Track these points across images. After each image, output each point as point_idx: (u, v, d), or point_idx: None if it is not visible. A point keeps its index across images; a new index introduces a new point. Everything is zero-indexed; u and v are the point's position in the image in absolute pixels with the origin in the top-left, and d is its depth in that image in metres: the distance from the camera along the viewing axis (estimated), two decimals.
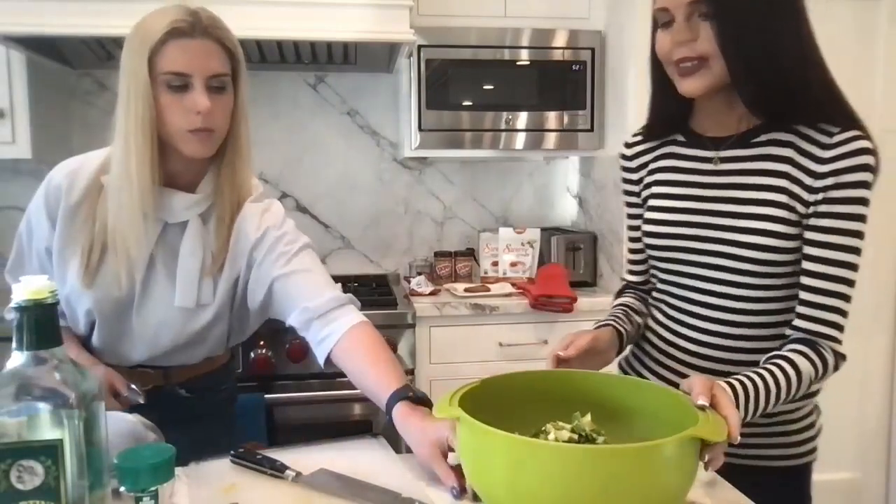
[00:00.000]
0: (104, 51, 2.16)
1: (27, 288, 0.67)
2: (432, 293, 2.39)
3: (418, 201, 2.76)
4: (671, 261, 1.12)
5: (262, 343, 2.01)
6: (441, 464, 0.94)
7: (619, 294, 1.29)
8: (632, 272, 1.27)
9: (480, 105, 2.36)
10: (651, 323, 1.20)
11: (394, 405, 1.03)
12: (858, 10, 2.50)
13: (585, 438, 0.87)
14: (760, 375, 0.95)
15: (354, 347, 1.12)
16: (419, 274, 2.53)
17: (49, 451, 0.65)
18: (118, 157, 1.10)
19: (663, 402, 0.90)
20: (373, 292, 2.36)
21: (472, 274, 2.63)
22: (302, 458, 0.99)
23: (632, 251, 1.26)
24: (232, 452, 1.01)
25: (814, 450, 1.14)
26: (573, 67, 2.38)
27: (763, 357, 1.01)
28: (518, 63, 2.36)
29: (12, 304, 0.67)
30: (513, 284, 2.45)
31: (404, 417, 1.01)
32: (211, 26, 1.09)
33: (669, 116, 1.14)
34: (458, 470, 0.91)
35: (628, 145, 1.23)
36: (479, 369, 0.99)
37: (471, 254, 2.67)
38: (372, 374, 1.09)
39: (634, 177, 1.21)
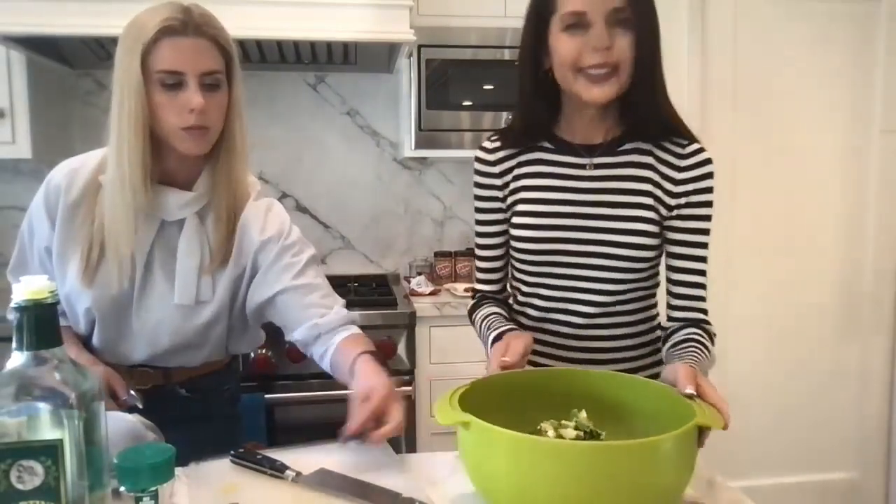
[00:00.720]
0: (104, 51, 2.16)
1: (27, 288, 0.67)
2: (432, 293, 2.39)
3: (418, 201, 2.76)
4: (544, 263, 1.15)
5: (262, 343, 2.00)
6: (362, 408, 0.99)
7: (477, 307, 1.27)
8: (486, 281, 1.27)
9: (480, 105, 2.36)
10: (521, 321, 1.23)
11: (358, 357, 1.10)
12: (858, 10, 2.50)
13: (590, 435, 0.87)
14: (695, 358, 1.01)
15: (341, 347, 1.17)
16: (419, 274, 2.53)
17: (49, 451, 0.65)
18: (112, 156, 1.10)
19: (650, 396, 0.92)
20: (373, 292, 2.36)
21: (472, 274, 2.63)
22: (302, 458, 0.99)
23: (486, 259, 1.26)
24: (232, 452, 1.01)
25: None
26: None
27: (639, 340, 1.17)
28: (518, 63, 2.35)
29: (12, 304, 0.67)
30: None
31: (364, 362, 1.09)
32: (203, 24, 1.08)
33: (538, 123, 1.16)
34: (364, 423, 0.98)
35: (489, 150, 1.22)
36: (479, 369, 0.99)
37: (471, 254, 2.66)
38: (347, 352, 1.14)
39: (498, 182, 1.21)
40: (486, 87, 2.36)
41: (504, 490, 0.77)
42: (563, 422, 0.90)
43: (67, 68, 2.46)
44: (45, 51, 2.19)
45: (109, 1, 1.86)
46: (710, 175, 1.12)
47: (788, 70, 2.50)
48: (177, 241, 1.17)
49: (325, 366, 1.20)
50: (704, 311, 1.14)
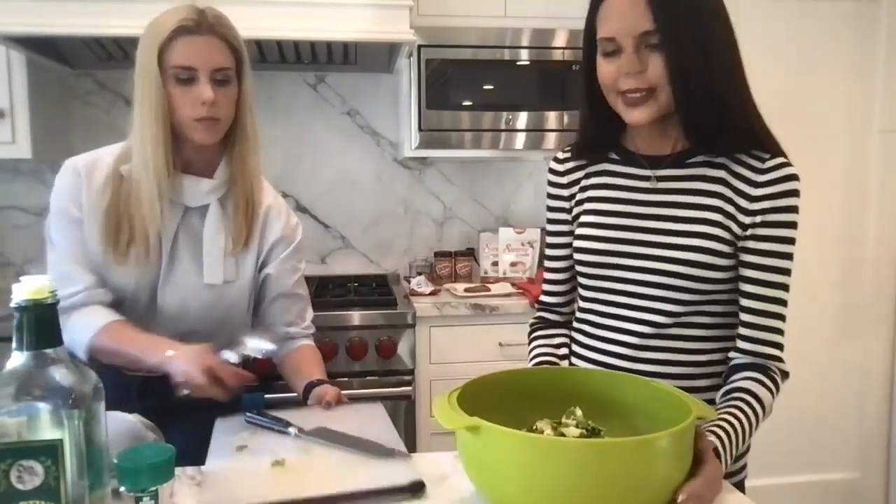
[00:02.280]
0: (104, 51, 2.16)
1: (27, 288, 0.67)
2: (432, 293, 2.39)
3: (418, 201, 2.76)
4: (602, 278, 1.12)
5: None
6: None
7: (532, 336, 1.25)
8: (551, 293, 1.25)
9: (480, 105, 2.36)
10: (577, 338, 1.19)
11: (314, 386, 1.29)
12: (858, 10, 2.51)
13: (592, 432, 0.87)
14: (732, 423, 0.94)
15: (302, 355, 1.39)
16: (419, 274, 2.53)
17: (49, 451, 0.65)
18: (136, 145, 1.20)
19: (643, 394, 0.92)
20: (373, 292, 2.36)
21: (472, 274, 2.63)
22: (308, 417, 1.14)
23: (554, 270, 1.23)
24: (247, 413, 1.14)
25: (745, 466, 1.13)
26: (573, 67, 2.37)
27: (699, 370, 1.07)
28: (518, 63, 2.36)
29: (12, 304, 0.67)
30: (513, 284, 2.45)
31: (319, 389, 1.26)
32: (216, 24, 1.19)
33: (602, 137, 1.14)
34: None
35: (560, 161, 1.20)
36: (479, 369, 0.99)
37: (471, 254, 2.67)
38: (307, 366, 1.36)
39: (565, 193, 1.19)
40: (486, 87, 2.36)
41: (511, 491, 0.77)
42: (564, 420, 0.90)
43: (67, 68, 2.45)
44: (45, 51, 2.19)
45: (109, 1, 1.86)
46: (792, 193, 1.01)
47: (788, 70, 2.50)
48: (200, 227, 1.27)
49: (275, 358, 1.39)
50: (777, 346, 1.04)
